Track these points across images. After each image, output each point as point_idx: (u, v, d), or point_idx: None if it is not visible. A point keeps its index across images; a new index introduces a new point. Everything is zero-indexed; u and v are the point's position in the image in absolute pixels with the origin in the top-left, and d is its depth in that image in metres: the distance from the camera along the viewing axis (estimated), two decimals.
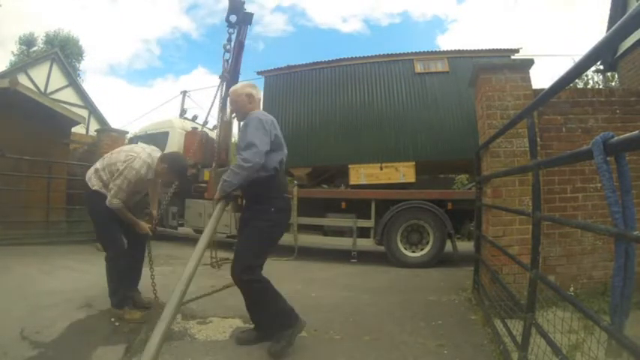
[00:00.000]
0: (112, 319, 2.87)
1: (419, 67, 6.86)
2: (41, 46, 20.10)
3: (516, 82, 3.39)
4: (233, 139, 9.34)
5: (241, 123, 2.60)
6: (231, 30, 6.48)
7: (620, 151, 1.22)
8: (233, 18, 6.90)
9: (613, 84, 10.22)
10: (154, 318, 2.48)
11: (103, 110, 16.71)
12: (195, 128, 8.39)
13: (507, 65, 3.55)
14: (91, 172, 3.07)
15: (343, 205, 6.10)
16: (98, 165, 3.06)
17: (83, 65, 22.69)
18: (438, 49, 8.69)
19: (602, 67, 8.19)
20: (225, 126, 8.40)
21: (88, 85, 24.10)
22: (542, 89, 2.43)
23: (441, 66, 6.84)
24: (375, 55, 7.25)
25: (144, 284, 3.27)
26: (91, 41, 35.47)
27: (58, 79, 14.80)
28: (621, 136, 1.14)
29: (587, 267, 3.26)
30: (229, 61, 7.12)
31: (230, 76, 7.80)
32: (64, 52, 17.10)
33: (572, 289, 3.04)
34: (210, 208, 7.02)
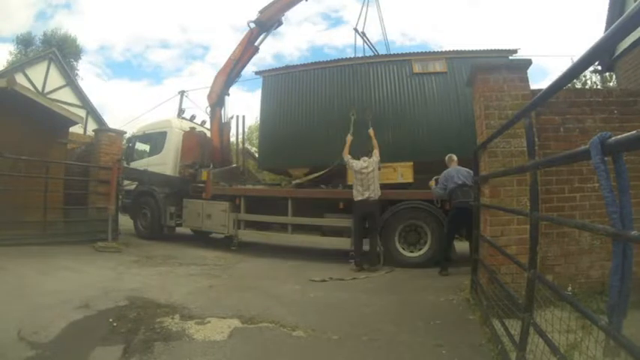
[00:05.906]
0: (110, 320, 2.87)
1: (417, 68, 6.85)
2: (38, 45, 20.02)
3: (514, 82, 3.40)
4: (232, 139, 9.34)
5: None
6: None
7: (617, 151, 1.22)
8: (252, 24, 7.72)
9: (611, 84, 10.28)
10: None
11: (102, 111, 16.58)
12: (193, 128, 8.37)
13: (505, 65, 3.56)
14: None
15: (341, 205, 6.10)
16: None
17: (81, 64, 22.49)
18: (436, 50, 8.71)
19: (600, 67, 8.22)
20: (224, 127, 8.42)
21: (86, 84, 23.86)
22: (540, 89, 2.43)
23: (439, 66, 6.83)
24: (374, 56, 7.26)
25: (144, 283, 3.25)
26: (89, 40, 35.28)
27: (55, 79, 14.73)
28: (619, 136, 1.15)
29: (585, 266, 3.27)
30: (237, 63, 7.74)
31: (235, 70, 8.27)
32: (61, 51, 17.01)
33: (570, 288, 3.04)
34: (208, 207, 7.03)
